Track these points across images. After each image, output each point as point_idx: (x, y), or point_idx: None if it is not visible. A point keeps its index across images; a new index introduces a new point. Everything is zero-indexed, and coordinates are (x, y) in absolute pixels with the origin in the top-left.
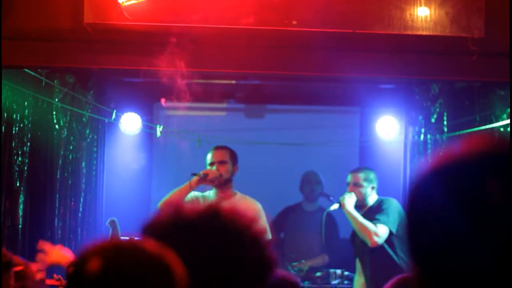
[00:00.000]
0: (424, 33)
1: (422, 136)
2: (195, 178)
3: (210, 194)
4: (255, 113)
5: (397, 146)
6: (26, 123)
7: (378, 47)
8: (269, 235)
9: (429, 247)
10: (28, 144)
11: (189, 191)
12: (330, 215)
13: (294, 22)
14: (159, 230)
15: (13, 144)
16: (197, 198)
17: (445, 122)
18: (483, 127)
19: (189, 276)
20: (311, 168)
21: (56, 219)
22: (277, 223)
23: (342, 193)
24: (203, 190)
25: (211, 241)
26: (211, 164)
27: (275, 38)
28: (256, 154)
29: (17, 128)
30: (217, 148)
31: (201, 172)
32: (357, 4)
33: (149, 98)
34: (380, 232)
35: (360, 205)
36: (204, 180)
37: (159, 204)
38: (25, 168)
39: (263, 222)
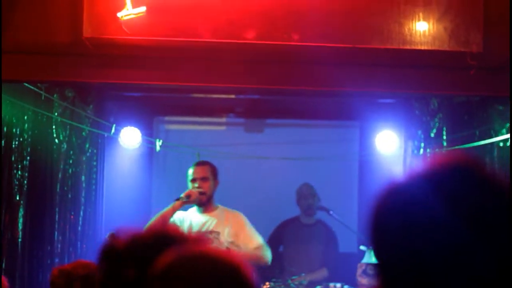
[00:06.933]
0: (422, 47)
1: (421, 151)
2: (178, 202)
3: (193, 211)
4: (254, 128)
5: (397, 161)
6: (25, 137)
7: (377, 61)
8: (259, 239)
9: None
10: (28, 158)
11: (172, 214)
12: (330, 229)
13: (294, 37)
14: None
15: (13, 158)
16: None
17: (444, 137)
18: (483, 142)
19: None
20: (309, 181)
21: (55, 232)
22: (276, 236)
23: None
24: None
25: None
26: (193, 180)
27: (274, 53)
28: (255, 168)
29: (16, 142)
30: (198, 164)
31: (183, 195)
32: (356, 19)
33: (149, 112)
34: None
35: None
36: (188, 202)
37: (144, 228)
38: (25, 182)
39: (250, 228)
